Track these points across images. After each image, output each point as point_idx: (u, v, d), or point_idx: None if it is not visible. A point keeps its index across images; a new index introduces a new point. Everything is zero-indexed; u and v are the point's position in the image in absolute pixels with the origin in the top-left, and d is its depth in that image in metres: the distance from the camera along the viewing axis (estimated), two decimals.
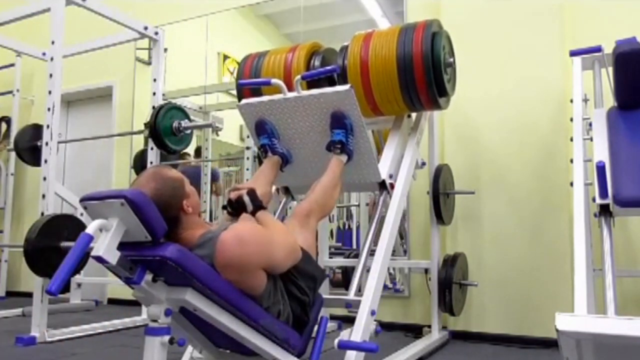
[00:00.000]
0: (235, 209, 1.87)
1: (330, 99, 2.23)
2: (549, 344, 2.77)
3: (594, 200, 1.90)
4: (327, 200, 2.10)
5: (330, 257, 3.54)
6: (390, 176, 2.44)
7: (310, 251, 1.87)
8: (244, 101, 2.45)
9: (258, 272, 1.57)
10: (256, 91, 2.66)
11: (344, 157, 2.24)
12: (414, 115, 2.78)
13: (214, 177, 4.61)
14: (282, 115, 2.37)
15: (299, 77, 2.29)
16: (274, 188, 2.53)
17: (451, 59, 2.57)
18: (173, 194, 1.56)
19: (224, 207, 1.94)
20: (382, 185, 2.41)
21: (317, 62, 2.67)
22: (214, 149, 4.67)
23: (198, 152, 4.68)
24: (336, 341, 1.89)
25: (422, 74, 2.39)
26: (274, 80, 2.32)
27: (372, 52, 2.48)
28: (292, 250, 1.71)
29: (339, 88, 2.24)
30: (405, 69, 2.40)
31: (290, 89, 2.34)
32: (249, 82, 2.64)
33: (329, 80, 2.55)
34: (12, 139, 4.79)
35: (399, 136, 2.61)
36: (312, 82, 2.48)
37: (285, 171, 2.43)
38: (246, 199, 1.83)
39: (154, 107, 3.82)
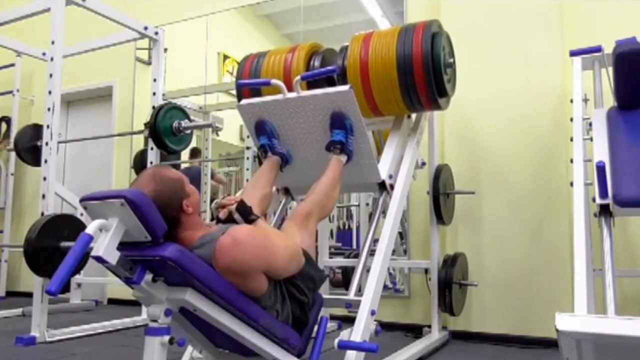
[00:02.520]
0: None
1: (330, 99, 2.24)
2: (549, 344, 2.77)
3: (594, 200, 1.90)
4: (326, 201, 2.09)
5: (330, 257, 3.54)
6: (390, 176, 2.44)
7: (309, 252, 1.86)
8: (243, 101, 2.45)
9: (258, 275, 1.56)
10: (256, 91, 2.66)
11: (344, 158, 2.24)
12: (413, 115, 2.78)
13: None
14: (282, 115, 2.36)
15: (298, 77, 2.29)
16: (274, 188, 2.53)
17: (451, 60, 2.57)
18: (173, 195, 1.55)
19: (212, 219, 1.85)
20: (382, 186, 2.41)
21: (316, 63, 2.67)
22: (214, 149, 4.67)
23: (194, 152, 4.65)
24: (336, 341, 1.89)
25: (422, 75, 2.39)
26: (273, 81, 2.31)
27: (372, 52, 2.47)
28: (295, 253, 1.70)
29: (339, 88, 2.24)
30: (405, 70, 2.40)
31: (290, 89, 2.33)
32: (249, 82, 2.63)
33: (328, 81, 2.54)
34: (12, 139, 4.78)
35: (398, 136, 2.60)
36: (312, 83, 2.48)
37: (285, 171, 2.42)
38: (237, 216, 1.75)
39: (154, 107, 3.82)
